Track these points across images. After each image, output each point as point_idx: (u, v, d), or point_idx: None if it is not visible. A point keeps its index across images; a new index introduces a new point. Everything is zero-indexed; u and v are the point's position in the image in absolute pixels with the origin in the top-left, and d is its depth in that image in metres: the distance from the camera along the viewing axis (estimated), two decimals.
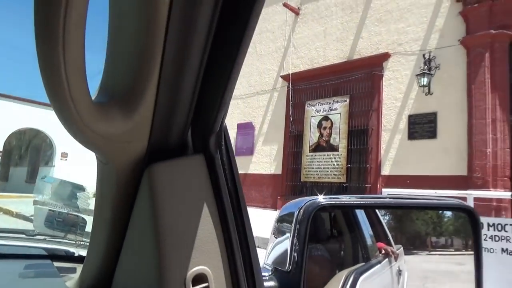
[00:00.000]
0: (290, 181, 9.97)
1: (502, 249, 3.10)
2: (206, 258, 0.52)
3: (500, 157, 6.83)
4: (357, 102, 8.97)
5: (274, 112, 10.81)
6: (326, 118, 9.44)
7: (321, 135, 9.45)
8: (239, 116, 11.72)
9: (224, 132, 0.58)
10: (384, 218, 1.02)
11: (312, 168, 9.47)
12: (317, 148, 9.49)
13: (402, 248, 1.04)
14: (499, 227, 3.13)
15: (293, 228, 0.73)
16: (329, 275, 0.85)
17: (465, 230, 0.93)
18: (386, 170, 8.36)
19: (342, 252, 0.97)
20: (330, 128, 9.31)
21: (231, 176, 0.57)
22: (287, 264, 0.71)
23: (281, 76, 10.70)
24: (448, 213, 0.98)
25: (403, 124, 8.24)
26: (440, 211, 1.00)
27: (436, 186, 7.54)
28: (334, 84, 9.45)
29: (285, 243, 0.74)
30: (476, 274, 0.88)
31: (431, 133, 7.79)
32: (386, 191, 3.89)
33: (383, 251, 1.01)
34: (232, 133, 11.75)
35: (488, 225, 3.16)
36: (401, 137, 8.24)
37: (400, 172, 8.14)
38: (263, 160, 10.80)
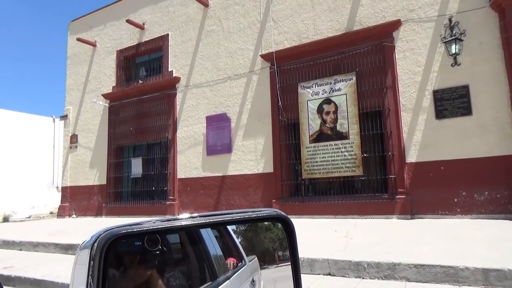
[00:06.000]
0: (287, 180, 8.24)
1: None
2: None
3: None
4: (366, 79, 7.60)
5: (255, 99, 8.98)
6: (328, 101, 7.91)
7: (324, 121, 7.90)
8: (208, 107, 9.65)
9: None
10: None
11: (316, 161, 7.86)
12: (320, 137, 7.91)
13: (256, 258, 1.02)
14: None
15: (87, 265, 0.63)
16: None
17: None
18: (412, 157, 7.10)
19: (190, 273, 0.90)
20: (335, 112, 7.80)
21: None
22: None
23: (261, 56, 8.91)
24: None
25: (427, 101, 7.06)
26: (256, 223, 1.00)
27: (477, 170, 6.51)
28: (334, 60, 7.98)
29: (83, 283, 0.64)
30: (294, 279, 0.92)
31: (464, 109, 6.71)
32: None
33: (232, 266, 1.00)
34: (201, 128, 9.65)
35: None
36: (427, 117, 7.05)
37: (430, 158, 6.94)
38: (246, 157, 8.91)
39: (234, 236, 1.01)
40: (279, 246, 1.01)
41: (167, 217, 0.78)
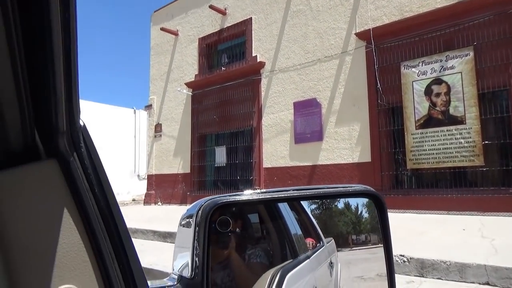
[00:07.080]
0: (388, 170, 7.48)
1: None
2: (73, 275, 0.46)
3: None
4: (487, 54, 6.55)
5: (349, 81, 8.27)
6: (438, 81, 6.98)
7: (433, 104, 6.99)
8: (295, 92, 9.13)
9: (82, 131, 0.51)
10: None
11: (424, 150, 7.00)
12: (428, 122, 7.03)
13: (333, 240, 1.01)
14: None
15: (192, 231, 0.68)
16: (258, 277, 0.79)
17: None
18: None
19: (271, 251, 0.90)
20: (447, 93, 6.86)
21: (96, 180, 0.51)
22: (190, 271, 0.67)
23: (356, 34, 8.16)
24: (366, 215, 0.99)
25: None
26: (348, 198, 0.99)
27: None
28: (445, 34, 7.00)
29: (188, 248, 0.69)
30: (386, 257, 0.90)
31: None
32: None
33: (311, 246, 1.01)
34: (288, 115, 9.17)
35: None
36: None
37: None
38: (339, 145, 8.26)
39: (311, 216, 0.99)
40: (352, 230, 1.02)
41: (262, 189, 0.66)
